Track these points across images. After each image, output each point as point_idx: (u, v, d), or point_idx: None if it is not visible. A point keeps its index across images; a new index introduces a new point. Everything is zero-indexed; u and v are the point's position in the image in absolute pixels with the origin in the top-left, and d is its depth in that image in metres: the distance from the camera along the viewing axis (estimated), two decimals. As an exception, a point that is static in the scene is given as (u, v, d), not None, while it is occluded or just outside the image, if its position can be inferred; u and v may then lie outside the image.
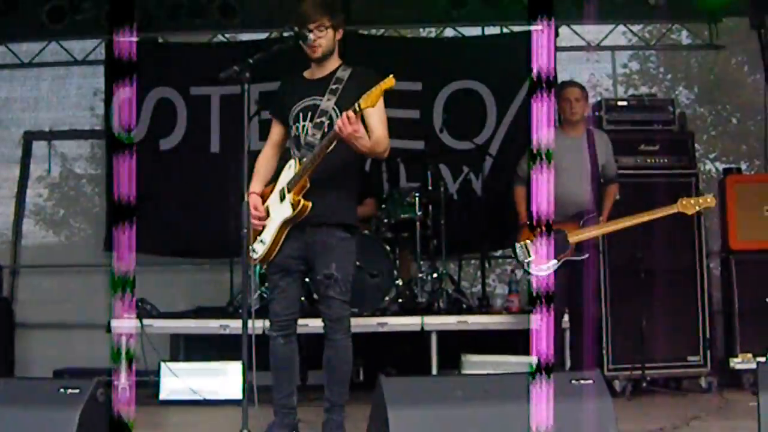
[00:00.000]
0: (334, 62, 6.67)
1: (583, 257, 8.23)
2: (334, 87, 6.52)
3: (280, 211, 6.46)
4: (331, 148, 6.24)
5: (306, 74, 6.72)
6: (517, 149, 10.02)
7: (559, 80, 11.06)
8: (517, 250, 8.45)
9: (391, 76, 6.02)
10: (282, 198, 6.45)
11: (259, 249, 6.55)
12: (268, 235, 6.51)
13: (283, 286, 6.55)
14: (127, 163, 10.83)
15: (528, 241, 8.32)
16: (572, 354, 8.54)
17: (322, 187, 6.37)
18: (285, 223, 6.43)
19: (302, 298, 8.96)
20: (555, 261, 8.15)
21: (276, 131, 6.82)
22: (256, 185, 6.68)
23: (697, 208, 8.01)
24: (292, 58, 6.65)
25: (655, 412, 7.97)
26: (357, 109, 6.02)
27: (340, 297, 6.47)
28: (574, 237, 8.22)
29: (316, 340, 6.65)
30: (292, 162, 6.49)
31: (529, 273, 8.40)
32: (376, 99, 6.02)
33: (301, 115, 6.55)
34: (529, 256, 8.31)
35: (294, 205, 6.32)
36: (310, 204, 6.31)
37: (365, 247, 9.29)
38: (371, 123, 6.40)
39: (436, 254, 9.97)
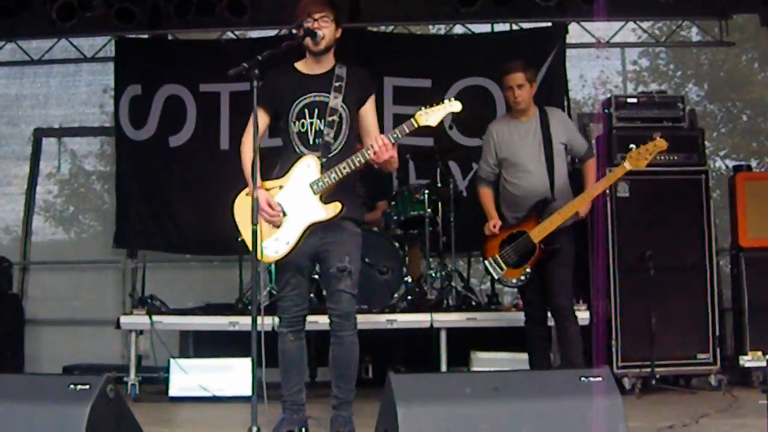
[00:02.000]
0: (331, 59, 6.68)
1: (552, 249, 7.88)
2: (337, 84, 6.53)
3: (306, 211, 6.42)
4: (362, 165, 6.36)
5: (301, 69, 6.70)
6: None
7: (569, 78, 11.10)
8: (488, 267, 8.20)
9: (460, 103, 6.20)
10: (303, 198, 6.43)
11: (281, 249, 6.46)
12: (293, 236, 6.43)
13: (294, 283, 6.55)
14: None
15: (496, 256, 8.10)
16: (562, 350, 8.20)
17: (335, 185, 6.40)
18: (312, 225, 6.43)
19: (311, 295, 9.00)
20: (528, 269, 7.97)
21: (262, 120, 6.70)
22: (259, 178, 6.67)
23: (649, 157, 7.63)
24: (301, 54, 6.65)
25: (665, 409, 7.96)
26: (414, 124, 6.23)
27: (351, 291, 6.47)
28: (537, 235, 7.87)
29: (325, 336, 6.64)
30: (309, 161, 6.45)
31: (509, 286, 8.37)
32: (437, 120, 6.20)
33: (306, 111, 6.54)
34: (501, 269, 8.10)
35: (335, 209, 6.38)
36: (340, 205, 6.35)
37: (375, 244, 9.31)
38: (368, 127, 6.65)
39: (445, 251, 9.96)
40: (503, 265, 8.07)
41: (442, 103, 6.36)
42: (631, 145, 7.57)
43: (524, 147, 8.10)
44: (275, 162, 6.67)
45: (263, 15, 11.30)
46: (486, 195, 8.41)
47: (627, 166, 7.61)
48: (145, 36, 12.05)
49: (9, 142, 13.02)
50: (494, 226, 8.13)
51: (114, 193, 11.99)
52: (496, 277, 8.20)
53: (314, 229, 6.45)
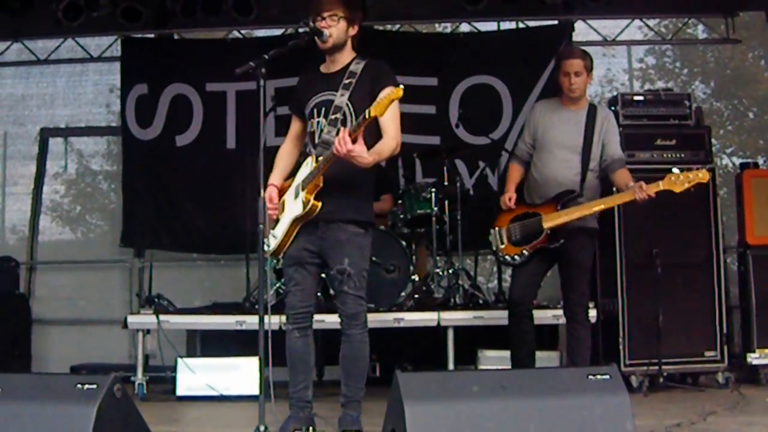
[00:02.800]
0: (348, 56, 6.67)
1: (555, 245, 7.75)
2: (347, 82, 6.53)
3: (292, 207, 6.49)
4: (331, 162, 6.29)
5: (322, 68, 6.74)
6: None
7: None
8: (491, 237, 8.11)
9: (401, 86, 6.01)
10: (296, 195, 6.48)
11: (272, 243, 6.60)
12: (279, 230, 6.55)
13: (298, 278, 6.56)
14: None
15: (502, 228, 8.02)
16: (568, 350, 8.09)
17: (335, 184, 6.37)
18: (296, 220, 6.45)
19: (318, 294, 9.02)
20: (525, 251, 7.86)
21: (295, 126, 6.85)
22: (276, 178, 6.70)
23: (687, 185, 7.29)
24: (307, 54, 6.66)
25: (672, 407, 7.95)
26: (367, 116, 6.01)
27: (355, 292, 6.47)
28: (549, 222, 7.71)
29: (333, 335, 6.65)
30: (309, 160, 6.51)
31: (502, 261, 8.27)
32: (384, 108, 5.99)
33: (315, 110, 6.57)
34: (501, 243, 8.01)
35: (305, 204, 6.35)
36: (319, 204, 6.32)
37: (381, 243, 9.30)
38: (382, 123, 6.41)
39: (452, 249, 9.95)
40: (504, 239, 7.98)
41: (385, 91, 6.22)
42: (675, 169, 7.38)
43: (561, 133, 7.93)
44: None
45: (269, 14, 11.30)
46: (512, 170, 8.26)
47: (661, 185, 7.33)
48: (152, 35, 12.06)
49: (15, 142, 13.04)
50: (509, 200, 7.99)
51: (120, 192, 12.01)
52: (493, 248, 8.11)
53: (312, 228, 6.47)
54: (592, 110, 7.93)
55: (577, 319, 7.89)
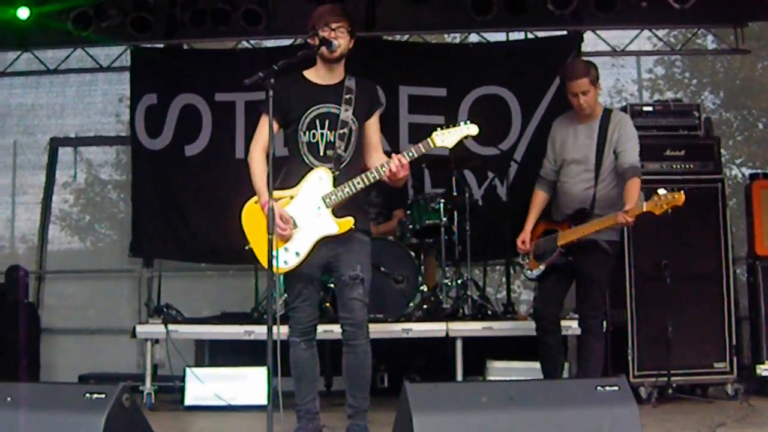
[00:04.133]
0: (342, 70, 6.72)
1: (563, 261, 7.81)
2: (347, 97, 6.58)
3: (318, 225, 6.46)
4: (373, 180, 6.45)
5: (312, 78, 6.72)
6: (542, 155, 10.02)
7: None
8: (520, 255, 8.26)
9: (476, 127, 6.26)
10: (319, 211, 6.46)
11: (291, 260, 6.50)
12: (304, 248, 6.47)
13: (307, 294, 6.58)
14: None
15: (532, 243, 8.09)
16: (580, 362, 8.07)
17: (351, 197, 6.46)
18: (322, 238, 6.46)
19: (327, 304, 9.02)
20: (542, 266, 7.95)
21: (274, 132, 6.74)
22: (267, 191, 6.65)
23: (665, 207, 7.14)
24: (310, 64, 6.69)
25: (681, 419, 7.93)
26: (430, 145, 6.37)
27: (363, 299, 6.50)
28: (562, 239, 7.78)
29: (340, 346, 6.65)
30: (322, 174, 6.48)
31: (525, 275, 8.33)
32: (453, 142, 6.32)
33: (318, 121, 6.57)
34: (527, 258, 8.13)
35: (342, 224, 6.46)
36: (353, 220, 6.40)
37: (390, 253, 9.31)
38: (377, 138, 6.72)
39: (461, 260, 9.94)
40: (530, 254, 8.08)
41: (459, 125, 6.40)
42: (661, 190, 7.31)
43: (574, 148, 7.95)
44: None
45: (278, 24, 11.30)
46: (535, 196, 8.26)
47: (645, 208, 7.23)
48: (161, 45, 12.07)
49: (25, 152, 13.07)
50: (522, 243, 8.10)
51: (130, 202, 12.02)
52: (521, 261, 8.28)
53: (325, 240, 6.48)
54: (605, 119, 7.86)
55: (590, 331, 7.87)
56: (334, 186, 6.45)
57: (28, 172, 13.05)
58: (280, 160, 6.61)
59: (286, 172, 6.66)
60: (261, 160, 6.64)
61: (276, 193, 6.39)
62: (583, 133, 7.92)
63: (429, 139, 6.36)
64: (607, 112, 7.93)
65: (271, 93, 6.12)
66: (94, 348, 11.89)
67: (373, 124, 6.69)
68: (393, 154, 6.42)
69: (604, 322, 8.47)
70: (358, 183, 6.40)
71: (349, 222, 6.40)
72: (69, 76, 12.76)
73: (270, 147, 6.14)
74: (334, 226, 6.43)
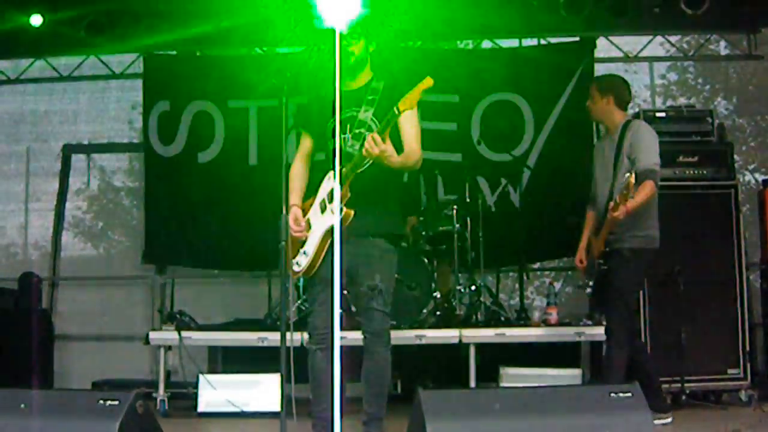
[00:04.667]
0: (367, 74, 6.68)
1: (592, 274, 7.94)
2: (370, 98, 6.53)
3: (322, 222, 6.46)
4: (363, 166, 6.29)
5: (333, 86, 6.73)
6: (555, 161, 10.02)
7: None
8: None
9: (429, 77, 6.04)
10: (323, 209, 6.46)
11: (302, 261, 6.52)
12: (311, 247, 6.49)
13: (323, 298, 6.53)
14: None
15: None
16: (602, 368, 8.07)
17: (365, 198, 6.35)
18: (327, 234, 6.43)
19: (343, 310, 9.02)
20: (591, 282, 8.02)
21: (307, 144, 6.83)
22: (296, 198, 6.67)
23: (624, 191, 7.11)
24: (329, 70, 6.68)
25: (695, 425, 7.93)
26: (396, 112, 6.04)
27: (383, 309, 6.46)
28: (594, 251, 7.91)
29: (355, 352, 6.64)
30: (331, 174, 6.49)
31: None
32: (415, 100, 6.04)
33: (340, 127, 6.57)
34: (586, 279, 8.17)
35: (344, 217, 6.32)
36: (352, 212, 6.30)
37: (403, 260, 9.30)
38: (404, 131, 6.44)
39: (474, 266, 9.95)
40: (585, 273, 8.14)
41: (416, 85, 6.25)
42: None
43: (600, 165, 8.02)
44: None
45: (291, 31, 11.30)
46: (587, 218, 8.30)
47: (617, 198, 7.23)
48: (174, 52, 12.08)
49: (38, 158, 13.09)
50: (579, 261, 8.15)
51: (143, 209, 12.05)
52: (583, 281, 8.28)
53: (347, 242, 6.43)
54: (624, 129, 7.86)
55: (610, 338, 7.83)
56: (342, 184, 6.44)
57: (42, 178, 13.08)
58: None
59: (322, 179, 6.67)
60: (296, 171, 6.74)
61: (306, 203, 6.62)
62: (607, 147, 7.95)
63: (395, 108, 6.22)
64: (627, 123, 7.91)
65: (284, 99, 6.13)
66: (108, 354, 11.90)
67: (404, 123, 6.52)
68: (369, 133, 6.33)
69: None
70: (347, 172, 6.35)
71: (348, 214, 6.32)
72: (82, 83, 12.77)
73: (284, 153, 6.14)
74: (330, 218, 6.38)
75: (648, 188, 7.49)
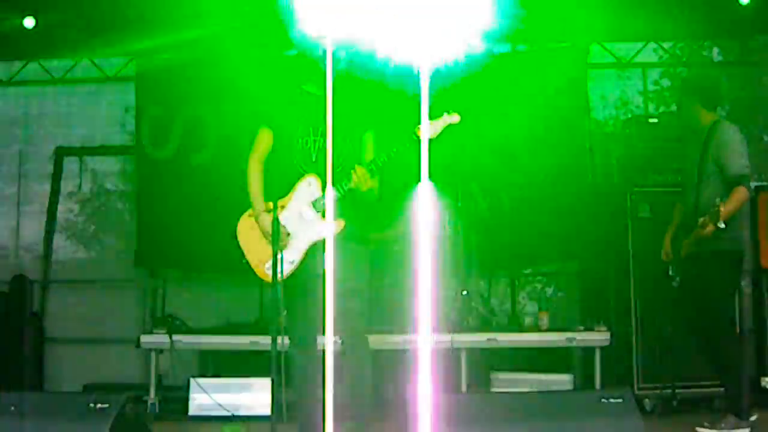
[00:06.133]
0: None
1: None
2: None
3: (308, 230, 6.45)
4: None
5: (307, 87, 6.73)
6: (548, 167, 10.02)
7: (590, 98, 11.01)
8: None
9: (456, 114, 6.14)
10: (309, 217, 6.45)
11: (285, 269, 6.49)
12: (297, 254, 6.48)
13: (303, 304, 6.55)
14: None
15: None
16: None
17: (344, 202, 6.38)
18: (314, 243, 6.44)
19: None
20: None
21: (267, 143, 6.79)
22: (261, 204, 6.65)
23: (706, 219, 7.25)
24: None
25: (686, 431, 7.92)
26: (414, 138, 6.09)
27: (360, 310, 6.50)
28: (684, 249, 8.04)
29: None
30: (311, 179, 6.48)
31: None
32: (436, 132, 6.16)
33: (311, 129, 6.58)
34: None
35: (332, 227, 6.33)
36: (343, 222, 6.33)
37: (394, 263, 9.30)
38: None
39: (465, 271, 9.94)
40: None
41: (440, 116, 6.31)
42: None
43: (687, 163, 8.09)
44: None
45: (286, 35, 11.30)
46: (675, 211, 8.44)
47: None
48: (167, 55, 12.08)
49: (30, 161, 13.06)
50: (665, 254, 8.29)
51: (135, 212, 12.02)
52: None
53: (319, 249, 6.45)
54: (711, 130, 7.95)
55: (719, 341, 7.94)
56: (324, 191, 6.44)
57: (34, 181, 13.05)
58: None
59: (277, 180, 6.65)
60: (258, 173, 6.67)
61: (270, 204, 6.50)
62: (694, 148, 8.03)
63: (412, 133, 6.25)
64: (715, 123, 7.99)
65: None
66: (99, 357, 11.88)
67: (369, 137, 6.62)
68: (357, 166, 6.37)
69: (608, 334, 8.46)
70: (341, 187, 6.36)
71: (339, 223, 6.35)
72: (74, 86, 12.76)
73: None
74: (323, 229, 6.39)
75: (740, 194, 7.57)
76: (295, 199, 6.53)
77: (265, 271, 6.50)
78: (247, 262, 6.65)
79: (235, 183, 11.23)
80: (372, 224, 6.86)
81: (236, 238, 6.76)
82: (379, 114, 6.58)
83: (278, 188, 6.63)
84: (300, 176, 6.55)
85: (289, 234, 6.49)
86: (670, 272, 8.19)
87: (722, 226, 7.13)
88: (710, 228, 7.25)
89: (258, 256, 6.50)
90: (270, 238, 6.33)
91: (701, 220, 7.32)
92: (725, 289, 7.99)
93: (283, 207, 6.55)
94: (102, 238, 13.62)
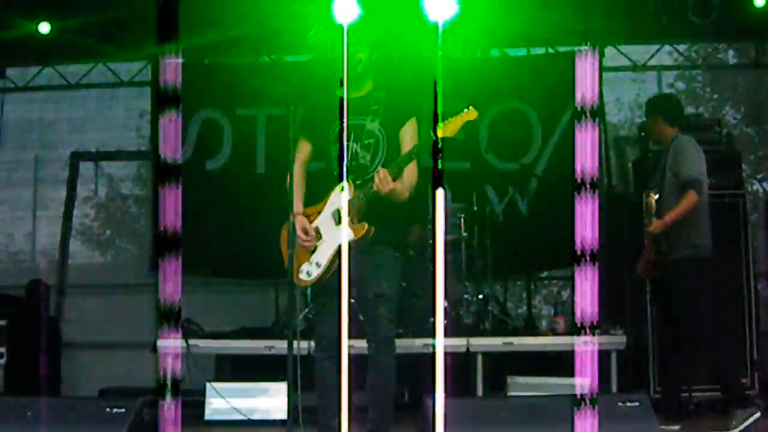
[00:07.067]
0: (370, 82, 6.68)
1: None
2: (375, 108, 6.54)
3: (335, 233, 6.45)
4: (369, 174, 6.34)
5: (340, 93, 6.74)
6: (564, 169, 10.00)
7: (606, 102, 11.03)
8: None
9: (473, 108, 6.14)
10: (338, 221, 6.45)
11: (313, 272, 6.48)
12: (324, 258, 6.46)
13: (333, 307, 6.53)
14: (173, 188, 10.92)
15: None
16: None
17: (374, 207, 6.37)
18: (341, 246, 6.43)
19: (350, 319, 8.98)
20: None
21: (306, 150, 6.80)
22: (299, 206, 6.67)
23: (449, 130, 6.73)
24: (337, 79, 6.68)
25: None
26: (433, 136, 6.09)
27: (389, 316, 6.46)
28: (644, 257, 8.19)
29: (360, 361, 6.63)
30: (344, 183, 6.48)
31: None
32: (455, 129, 6.14)
33: (345, 135, 6.56)
34: None
35: (357, 230, 6.34)
36: (369, 226, 6.33)
37: (410, 269, 9.29)
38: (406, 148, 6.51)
39: (481, 275, 9.93)
40: None
41: (459, 114, 6.32)
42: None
43: (657, 175, 8.26)
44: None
45: (299, 39, 11.31)
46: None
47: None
48: (182, 60, 12.08)
49: (46, 166, 13.11)
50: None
51: (150, 216, 12.04)
52: None
53: (352, 254, 6.43)
54: (671, 143, 8.23)
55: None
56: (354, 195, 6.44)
57: (49, 186, 13.09)
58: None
59: (322, 187, 6.67)
60: (298, 178, 6.67)
61: (308, 209, 6.59)
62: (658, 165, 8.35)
63: (430, 132, 6.26)
64: (675, 138, 8.26)
65: (292, 108, 6.14)
66: (115, 362, 11.90)
67: (405, 134, 6.61)
68: (380, 168, 6.37)
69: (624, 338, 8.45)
70: (367, 192, 6.36)
71: (362, 227, 6.35)
72: (90, 91, 12.78)
73: (292, 161, 6.15)
74: (348, 233, 6.39)
75: (689, 199, 7.78)
76: (329, 204, 6.54)
77: (298, 275, 6.49)
78: (287, 269, 6.64)
79: (250, 188, 11.31)
80: (403, 229, 6.84)
81: (279, 244, 6.73)
82: (418, 101, 6.54)
83: (315, 194, 6.65)
84: (335, 182, 6.56)
85: (321, 238, 6.49)
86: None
87: (654, 219, 7.68)
88: (656, 225, 7.69)
89: (295, 261, 6.50)
90: (302, 242, 6.41)
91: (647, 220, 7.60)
92: (693, 295, 8.00)
93: (319, 212, 6.55)
94: (117, 243, 13.68)
